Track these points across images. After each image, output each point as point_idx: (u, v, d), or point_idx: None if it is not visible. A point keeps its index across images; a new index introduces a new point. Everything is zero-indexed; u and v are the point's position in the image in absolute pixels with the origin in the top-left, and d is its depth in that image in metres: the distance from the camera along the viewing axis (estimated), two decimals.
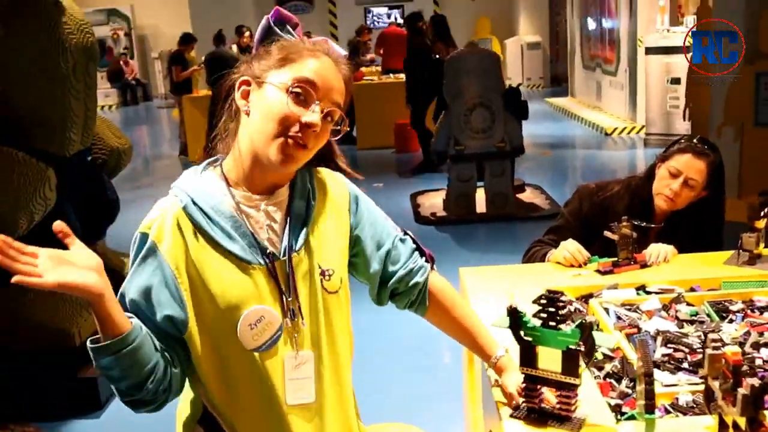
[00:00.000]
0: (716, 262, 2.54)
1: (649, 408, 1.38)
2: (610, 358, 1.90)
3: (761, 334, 1.96)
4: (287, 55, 1.51)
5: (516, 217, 6.89)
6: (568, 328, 1.53)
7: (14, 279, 1.24)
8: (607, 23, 12.82)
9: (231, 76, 1.58)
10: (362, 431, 1.77)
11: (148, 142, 14.22)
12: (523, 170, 8.58)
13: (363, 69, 11.91)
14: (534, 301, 1.58)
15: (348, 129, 1.58)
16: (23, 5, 3.70)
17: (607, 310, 2.17)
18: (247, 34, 10.91)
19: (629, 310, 2.17)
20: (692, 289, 2.33)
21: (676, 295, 2.24)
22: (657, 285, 2.35)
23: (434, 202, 7.56)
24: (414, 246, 1.76)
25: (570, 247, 2.56)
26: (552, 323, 1.54)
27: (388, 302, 1.77)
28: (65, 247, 1.35)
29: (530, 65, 18.18)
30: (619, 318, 2.12)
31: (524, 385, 1.60)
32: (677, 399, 1.68)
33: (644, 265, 2.51)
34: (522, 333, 1.58)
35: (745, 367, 1.73)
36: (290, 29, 1.59)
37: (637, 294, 2.31)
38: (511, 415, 1.62)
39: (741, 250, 2.50)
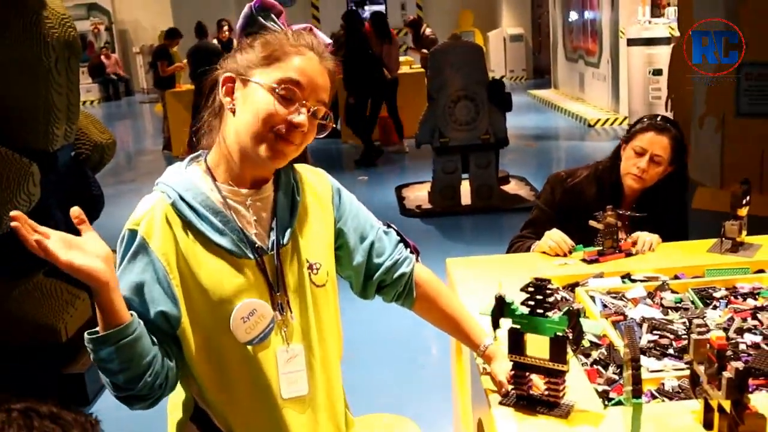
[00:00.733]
0: (700, 250, 2.56)
1: (636, 393, 1.40)
2: (597, 346, 1.92)
3: (744, 319, 1.99)
4: (272, 53, 1.50)
5: (501, 208, 6.92)
6: (555, 315, 1.55)
7: (33, 238, 1.25)
8: (589, 15, 12.88)
9: (215, 71, 1.57)
10: (351, 422, 1.78)
11: (131, 137, 14.13)
12: (508, 162, 8.61)
13: None
14: (522, 289, 1.59)
15: (333, 125, 1.57)
16: (6, 0, 3.67)
17: (593, 298, 2.19)
18: (225, 28, 10.83)
19: (615, 298, 2.19)
20: (676, 277, 2.36)
21: (660, 282, 2.27)
22: (642, 273, 2.38)
23: (419, 194, 7.57)
24: (398, 238, 1.77)
25: (554, 237, 2.58)
26: (540, 311, 1.56)
27: (375, 296, 1.78)
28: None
29: (513, 57, 18.22)
30: (605, 306, 2.14)
31: (513, 372, 1.62)
32: (663, 384, 1.71)
33: (629, 254, 2.53)
34: (511, 320, 1.59)
35: (729, 353, 1.76)
36: (274, 17, 1.59)
37: (623, 282, 2.33)
38: (500, 402, 1.64)
39: (724, 238, 2.53)
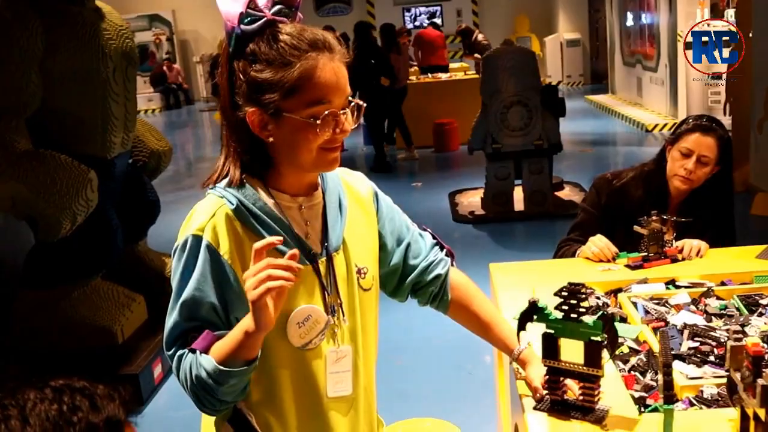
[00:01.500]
0: (749, 256, 2.52)
1: (668, 399, 1.39)
2: (636, 352, 1.91)
3: None
4: (285, 79, 1.41)
5: (554, 215, 6.85)
6: (589, 320, 1.55)
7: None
8: (646, 18, 12.68)
9: (235, 110, 1.48)
10: (381, 423, 1.80)
11: (191, 144, 14.42)
12: (564, 168, 8.53)
13: None
14: (555, 294, 1.60)
15: (364, 104, 1.54)
16: (65, 13, 3.81)
17: (635, 304, 2.17)
18: None
19: (658, 304, 2.17)
20: (723, 283, 2.32)
21: (705, 289, 2.24)
22: (687, 279, 2.35)
23: (472, 200, 7.56)
24: (434, 241, 1.79)
25: (598, 243, 2.57)
26: (573, 315, 1.56)
27: (407, 297, 1.79)
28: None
29: (570, 62, 18.05)
30: (647, 312, 2.12)
31: (547, 377, 1.62)
32: (702, 391, 1.69)
33: (675, 260, 2.51)
34: (544, 326, 1.60)
35: None
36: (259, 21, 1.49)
37: (667, 288, 2.31)
38: (535, 408, 1.64)
39: None
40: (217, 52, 11.75)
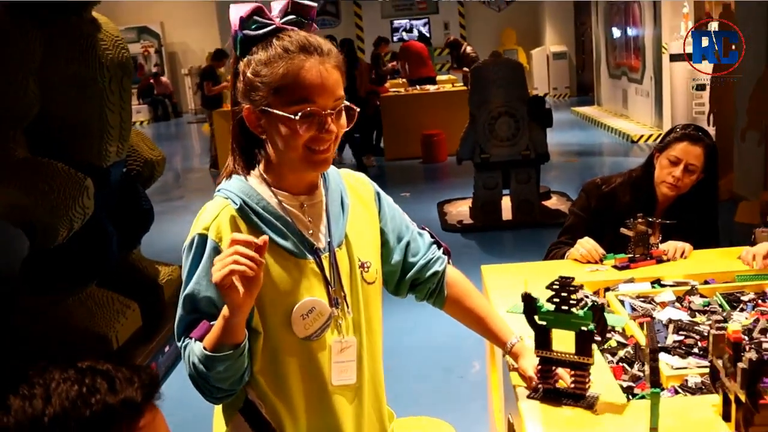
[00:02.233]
0: (731, 257, 2.61)
1: (654, 383, 1.47)
2: (624, 345, 1.99)
3: None
4: (272, 78, 1.50)
5: (542, 223, 6.95)
6: (580, 311, 1.62)
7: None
8: (631, 31, 12.86)
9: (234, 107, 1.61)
10: (391, 415, 1.87)
11: (179, 156, 14.45)
12: (551, 178, 8.64)
13: (388, 82, 12.15)
14: (547, 287, 1.67)
15: (358, 110, 1.62)
16: (63, 23, 3.87)
17: (622, 302, 2.25)
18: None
19: (644, 301, 2.25)
20: (706, 282, 2.41)
21: (690, 287, 2.32)
22: (672, 279, 2.43)
23: (461, 210, 7.65)
24: (432, 239, 1.87)
25: (586, 245, 2.65)
26: (564, 307, 1.64)
27: (407, 294, 1.87)
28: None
29: (556, 75, 18.23)
30: (633, 309, 2.20)
31: (539, 367, 1.70)
32: (686, 381, 1.77)
33: (660, 261, 2.59)
34: (536, 317, 1.67)
35: (753, 352, 1.81)
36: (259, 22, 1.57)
37: (653, 287, 2.39)
38: (528, 396, 1.71)
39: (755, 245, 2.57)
40: (206, 65, 11.79)
